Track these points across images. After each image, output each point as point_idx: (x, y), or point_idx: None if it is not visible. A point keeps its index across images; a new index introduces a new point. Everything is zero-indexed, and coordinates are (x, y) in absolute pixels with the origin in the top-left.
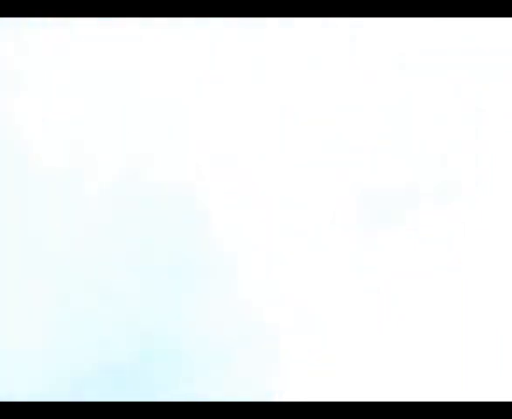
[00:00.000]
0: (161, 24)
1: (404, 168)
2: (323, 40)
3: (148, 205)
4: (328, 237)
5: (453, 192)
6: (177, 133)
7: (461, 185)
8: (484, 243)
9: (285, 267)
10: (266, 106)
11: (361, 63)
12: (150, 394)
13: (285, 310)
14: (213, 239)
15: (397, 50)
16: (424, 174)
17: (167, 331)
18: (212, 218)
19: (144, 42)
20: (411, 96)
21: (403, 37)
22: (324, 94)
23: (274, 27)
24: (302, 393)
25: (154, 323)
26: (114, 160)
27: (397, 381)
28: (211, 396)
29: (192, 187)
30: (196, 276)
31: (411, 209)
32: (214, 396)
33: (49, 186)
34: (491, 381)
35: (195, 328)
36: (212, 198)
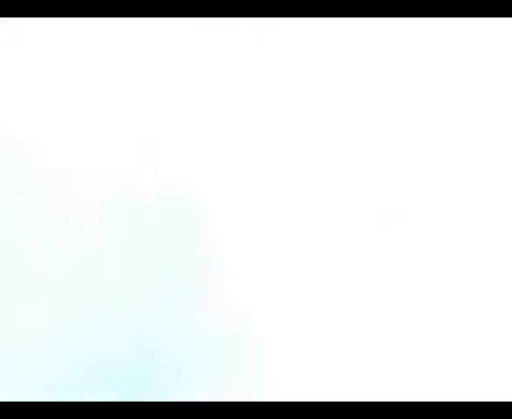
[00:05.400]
0: (161, 25)
1: (404, 167)
2: (323, 40)
3: (147, 206)
4: (325, 237)
5: (453, 192)
6: (177, 133)
7: (461, 185)
8: (484, 242)
9: (284, 268)
10: (265, 105)
11: (361, 63)
12: (150, 395)
13: (284, 310)
14: (212, 240)
15: (397, 50)
16: (424, 173)
17: (166, 331)
18: (211, 220)
19: (144, 42)
20: (411, 96)
21: (403, 37)
22: (324, 94)
23: (274, 27)
24: (300, 393)
25: (153, 324)
26: (113, 159)
27: (398, 381)
28: (211, 396)
29: (192, 188)
30: (195, 276)
31: (411, 209)
32: (213, 396)
33: (49, 187)
34: (491, 381)
35: (194, 328)
36: (212, 200)
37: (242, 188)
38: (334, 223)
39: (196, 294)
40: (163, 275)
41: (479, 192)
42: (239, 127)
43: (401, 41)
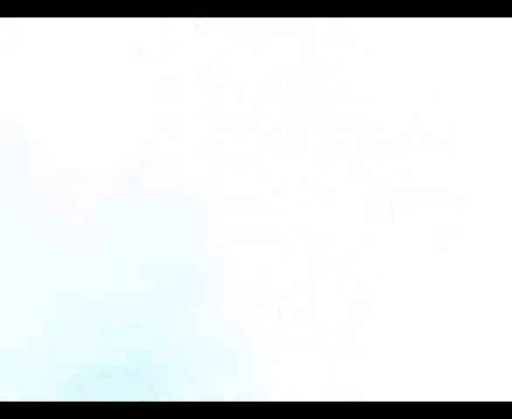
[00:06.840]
0: (161, 25)
1: (405, 168)
2: (323, 40)
3: (147, 207)
4: (325, 237)
5: (453, 192)
6: (177, 133)
7: (461, 185)
8: (484, 241)
9: (284, 267)
10: (264, 105)
11: (361, 63)
12: (150, 395)
13: (283, 310)
14: (212, 240)
15: (397, 50)
16: (425, 173)
17: (166, 331)
18: (211, 220)
19: (144, 42)
20: (411, 95)
21: (403, 37)
22: (324, 94)
23: (274, 27)
24: (300, 393)
25: (153, 323)
26: (113, 159)
27: (398, 381)
28: (211, 396)
29: (192, 188)
30: (195, 276)
31: (411, 208)
32: (213, 396)
33: (49, 186)
34: (491, 381)
35: (194, 328)
36: (212, 200)
37: (242, 189)
38: (333, 223)
39: (195, 294)
40: (163, 275)
41: (478, 190)
42: (239, 126)
43: (401, 41)
